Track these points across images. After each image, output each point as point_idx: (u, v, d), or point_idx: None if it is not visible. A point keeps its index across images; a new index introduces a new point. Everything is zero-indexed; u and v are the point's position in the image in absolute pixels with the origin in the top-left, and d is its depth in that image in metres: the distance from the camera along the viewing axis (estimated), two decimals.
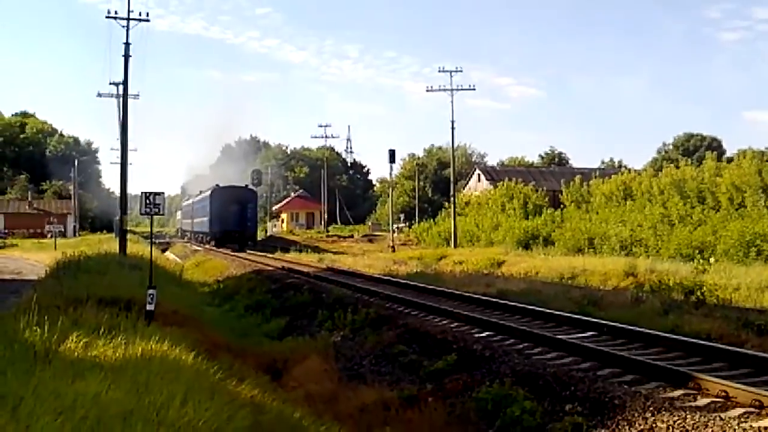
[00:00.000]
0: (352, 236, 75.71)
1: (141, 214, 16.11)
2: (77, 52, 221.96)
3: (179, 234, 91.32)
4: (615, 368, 10.30)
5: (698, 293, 17.72)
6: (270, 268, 32.50)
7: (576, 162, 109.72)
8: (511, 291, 20.99)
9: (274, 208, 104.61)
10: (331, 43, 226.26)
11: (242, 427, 6.61)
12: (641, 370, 10.03)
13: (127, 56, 35.10)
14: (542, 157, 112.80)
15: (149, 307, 13.14)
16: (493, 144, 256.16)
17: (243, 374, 10.16)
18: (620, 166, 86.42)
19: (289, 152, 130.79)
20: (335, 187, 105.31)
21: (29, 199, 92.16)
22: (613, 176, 55.48)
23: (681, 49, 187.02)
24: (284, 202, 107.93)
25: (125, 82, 35.81)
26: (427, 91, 56.05)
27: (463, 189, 78.30)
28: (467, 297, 19.08)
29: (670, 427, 7.82)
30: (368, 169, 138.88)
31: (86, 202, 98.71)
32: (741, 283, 21.16)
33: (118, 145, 45.35)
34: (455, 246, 51.11)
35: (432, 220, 69.64)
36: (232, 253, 46.85)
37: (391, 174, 70.50)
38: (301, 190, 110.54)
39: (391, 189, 76.55)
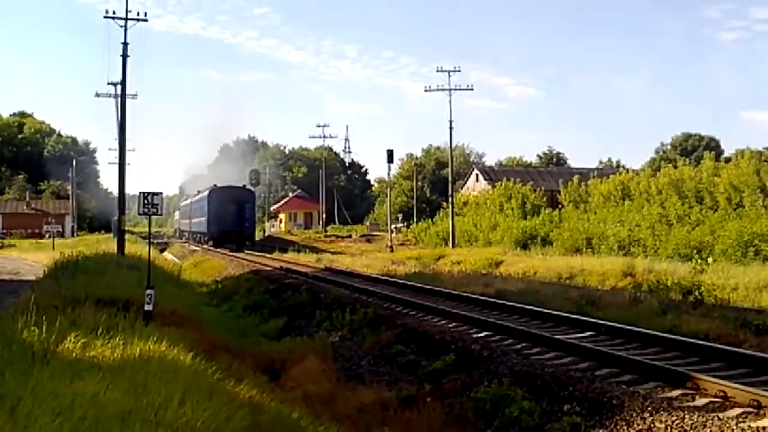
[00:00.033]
0: (350, 236, 75.73)
1: (139, 214, 16.11)
2: (75, 52, 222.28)
3: (177, 234, 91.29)
4: (613, 368, 10.30)
5: (696, 293, 17.72)
6: (268, 269, 32.49)
7: (574, 162, 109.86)
8: (509, 291, 21.00)
9: (272, 208, 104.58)
10: (330, 43, 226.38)
11: (240, 427, 6.61)
12: (639, 370, 10.04)
13: (125, 56, 35.07)
14: (540, 157, 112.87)
15: (147, 308, 13.14)
16: (491, 144, 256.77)
17: (241, 374, 10.16)
18: (618, 166, 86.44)
19: (287, 152, 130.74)
20: (333, 187, 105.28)
21: (27, 199, 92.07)
22: (611, 176, 55.55)
23: (680, 49, 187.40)
24: (282, 202, 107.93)
25: (123, 82, 35.78)
26: (426, 91, 56.12)
27: (462, 189, 78.33)
28: (465, 297, 19.08)
29: (669, 427, 7.83)
30: (366, 169, 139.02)
31: (84, 203, 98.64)
32: (739, 283, 21.17)
33: (116, 145, 45.40)
34: (453, 246, 51.12)
35: (430, 220, 69.69)
36: (230, 254, 46.84)
37: (389, 174, 70.60)
38: (299, 190, 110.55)
39: (389, 189, 76.57)
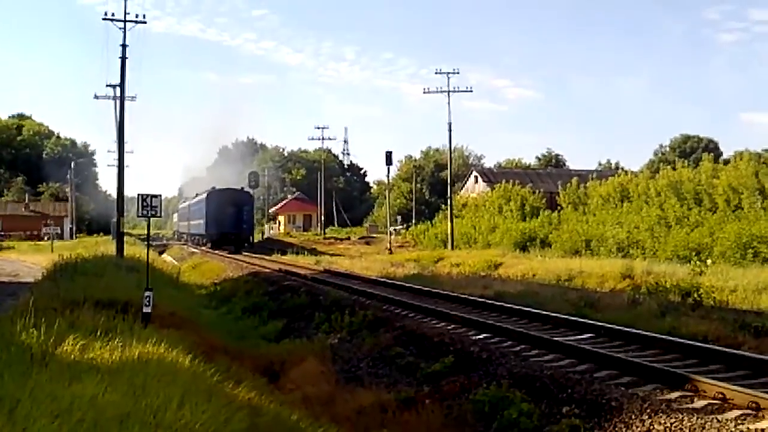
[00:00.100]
0: (349, 238, 75.73)
1: (138, 216, 16.11)
2: (74, 54, 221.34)
3: (176, 236, 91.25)
4: (612, 370, 10.30)
5: (695, 295, 17.72)
6: (267, 271, 32.49)
7: (573, 164, 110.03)
8: (508, 293, 21.00)
9: (271, 211, 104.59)
10: (328, 44, 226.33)
11: (239, 429, 6.61)
12: (638, 372, 10.04)
13: (123, 58, 35.16)
14: (539, 159, 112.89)
15: (146, 310, 13.13)
16: (490, 146, 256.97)
17: (240, 377, 10.16)
18: (617, 168, 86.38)
19: (286, 154, 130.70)
20: (332, 189, 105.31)
21: (26, 201, 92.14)
22: (610, 178, 55.52)
23: (679, 51, 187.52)
24: (281, 204, 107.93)
25: (122, 84, 35.88)
26: (424, 92, 56.16)
27: (460, 191, 78.32)
28: (464, 299, 19.08)
29: (667, 429, 7.83)
30: (365, 171, 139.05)
31: (83, 205, 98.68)
32: (738, 284, 21.17)
33: (115, 147, 45.36)
34: (452, 248, 51.11)
35: (429, 222, 69.65)
36: (229, 256, 46.84)
37: (388, 176, 70.43)
38: (298, 193, 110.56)
39: (388, 191, 76.59)
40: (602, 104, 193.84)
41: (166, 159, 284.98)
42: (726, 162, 52.20)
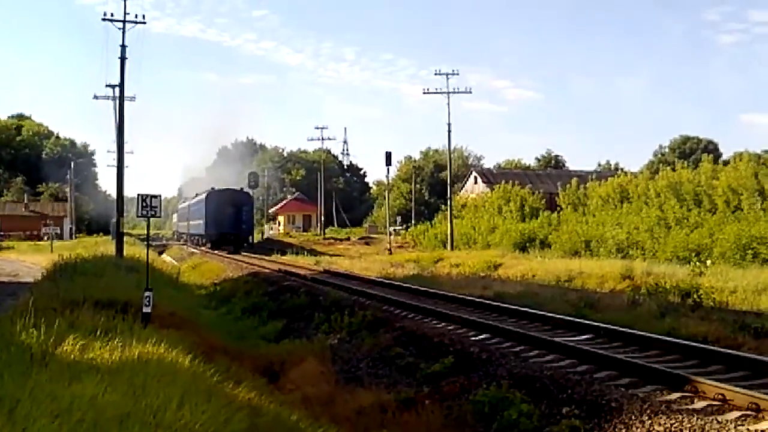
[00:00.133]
0: (348, 239, 75.73)
1: (137, 216, 16.10)
2: (74, 54, 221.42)
3: (176, 236, 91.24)
4: (612, 371, 10.30)
5: (695, 296, 17.73)
6: (267, 271, 32.48)
7: (573, 165, 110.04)
8: (507, 293, 20.99)
9: (270, 211, 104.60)
10: (328, 45, 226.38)
11: (239, 429, 6.61)
12: (638, 373, 10.04)
13: (123, 58, 35.13)
14: (539, 160, 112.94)
15: (146, 310, 13.13)
16: (490, 146, 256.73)
17: (240, 377, 10.15)
18: (617, 169, 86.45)
19: (285, 155, 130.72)
20: (332, 189, 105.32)
21: (25, 201, 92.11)
22: (609, 179, 55.52)
23: (679, 51, 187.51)
24: (281, 204, 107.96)
25: (121, 85, 35.87)
26: (424, 93, 56.37)
27: (460, 191, 78.34)
28: (464, 299, 19.07)
29: (667, 430, 7.83)
30: (365, 172, 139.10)
31: (83, 205, 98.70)
32: (738, 285, 21.18)
33: (114, 147, 45.32)
34: (452, 248, 51.14)
35: (429, 222, 69.67)
36: (229, 256, 46.84)
37: (387, 176, 70.58)
38: (297, 193, 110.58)
39: (387, 191, 76.66)
40: (602, 105, 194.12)
41: (166, 159, 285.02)
42: (726, 163, 52.19)
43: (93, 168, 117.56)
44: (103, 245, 42.72)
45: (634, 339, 12.59)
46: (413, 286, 22.79)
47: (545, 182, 73.53)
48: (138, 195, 15.52)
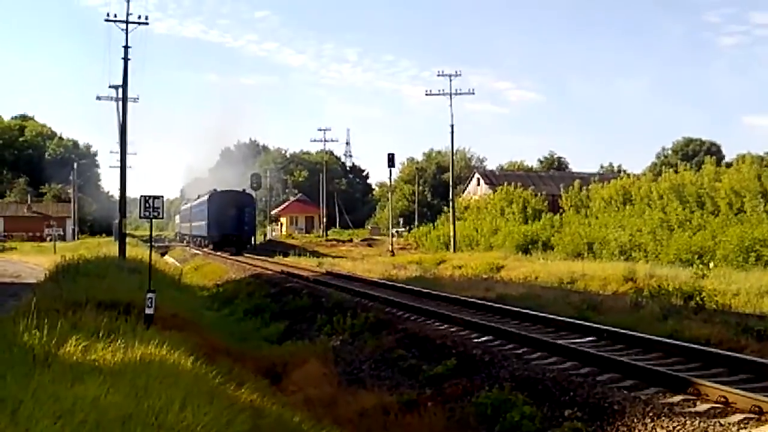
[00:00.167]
0: (351, 240, 75.70)
1: (140, 217, 16.11)
2: (76, 55, 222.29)
3: (178, 237, 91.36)
4: (614, 373, 10.28)
5: (697, 298, 17.70)
6: (269, 272, 32.48)
7: (575, 166, 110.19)
8: (510, 295, 20.97)
9: (273, 212, 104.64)
10: (330, 46, 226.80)
11: (241, 431, 6.61)
12: (640, 375, 10.02)
13: (126, 59, 35.19)
14: (541, 162, 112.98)
15: (148, 311, 13.14)
16: (492, 148, 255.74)
17: (242, 378, 10.16)
18: (619, 171, 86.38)
19: (288, 156, 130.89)
20: (334, 191, 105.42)
21: (28, 202, 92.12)
22: (612, 181, 55.47)
23: (680, 53, 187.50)
24: (283, 206, 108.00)
25: (124, 85, 35.86)
26: (426, 94, 56.54)
27: (463, 193, 78.42)
28: (466, 301, 19.05)
29: None
30: (367, 173, 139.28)
31: (85, 206, 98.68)
32: (740, 288, 21.15)
33: (117, 148, 45.25)
34: (454, 250, 51.11)
35: (431, 224, 69.65)
36: (231, 257, 46.86)
37: (390, 178, 70.39)
38: (300, 194, 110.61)
39: (390, 193, 76.60)
40: (604, 107, 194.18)
41: (169, 160, 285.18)
42: (728, 165, 52.23)
43: (96, 169, 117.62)
44: (105, 246, 42.70)
45: (637, 341, 12.57)
46: (416, 288, 22.77)
47: (548, 184, 73.57)
48: (141, 196, 15.54)
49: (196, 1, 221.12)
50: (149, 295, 13.28)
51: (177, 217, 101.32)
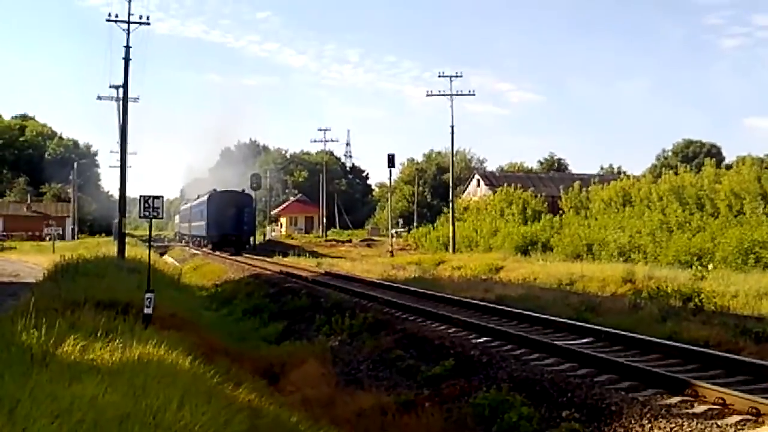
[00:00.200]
0: (350, 241, 75.69)
1: (140, 217, 16.11)
2: (77, 55, 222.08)
3: (177, 237, 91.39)
4: (612, 375, 10.29)
5: (696, 300, 17.73)
6: (268, 273, 32.49)
7: (575, 168, 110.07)
8: (509, 297, 20.99)
9: (273, 212, 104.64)
10: (331, 47, 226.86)
11: (239, 431, 6.61)
12: (638, 376, 10.03)
13: (127, 59, 35.14)
14: (541, 163, 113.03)
15: (147, 311, 13.14)
16: (492, 149, 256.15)
17: (240, 378, 10.16)
18: (619, 173, 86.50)
19: (288, 156, 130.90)
20: (334, 191, 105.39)
21: (28, 201, 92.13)
22: (612, 182, 55.48)
23: (681, 55, 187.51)
24: (283, 206, 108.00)
25: (125, 86, 35.85)
26: (427, 95, 56.49)
27: (462, 194, 78.40)
28: (465, 302, 19.07)
29: None
30: (367, 174, 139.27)
31: (85, 205, 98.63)
32: (739, 290, 21.14)
33: (117, 148, 45.29)
34: (454, 251, 51.10)
35: (431, 225, 69.65)
36: (231, 257, 46.87)
37: (390, 179, 70.36)
38: (299, 195, 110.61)
39: (390, 194, 76.59)
40: (604, 108, 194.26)
41: (169, 160, 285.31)
42: (728, 167, 52.25)
43: (96, 168, 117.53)
44: (105, 246, 42.72)
45: (635, 343, 12.58)
46: (415, 289, 22.78)
47: (548, 185, 73.59)
48: (140, 196, 15.54)
49: (198, 2, 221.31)
50: (148, 294, 13.29)
51: (176, 217, 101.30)
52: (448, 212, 58.09)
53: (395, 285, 25.07)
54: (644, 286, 22.93)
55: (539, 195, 61.89)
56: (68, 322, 9.84)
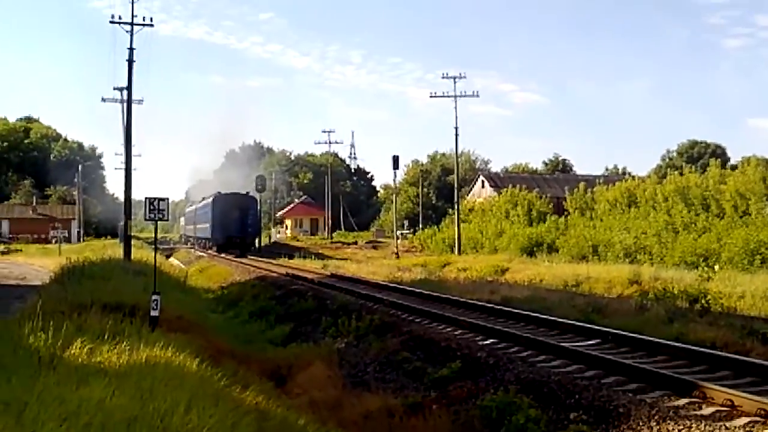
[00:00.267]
0: (355, 243, 75.70)
1: (145, 219, 16.10)
2: (81, 57, 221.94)
3: (183, 240, 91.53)
4: (619, 376, 10.27)
5: (703, 301, 17.69)
6: (274, 275, 32.50)
7: (580, 169, 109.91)
8: (515, 298, 20.97)
9: (278, 215, 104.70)
10: (335, 48, 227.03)
11: None
12: (646, 378, 10.00)
13: (131, 61, 35.26)
14: (546, 164, 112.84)
15: (153, 313, 13.14)
16: (497, 150, 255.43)
17: (247, 381, 10.16)
18: (624, 173, 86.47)
19: (292, 158, 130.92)
20: (339, 193, 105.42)
21: (34, 204, 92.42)
22: (617, 183, 55.48)
23: (684, 55, 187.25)
24: (288, 208, 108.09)
25: (129, 87, 35.97)
26: (431, 97, 56.37)
27: (467, 195, 78.36)
28: (471, 304, 19.05)
29: None
30: (372, 175, 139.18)
31: (90, 208, 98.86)
32: (746, 291, 21.12)
33: (122, 150, 45.46)
34: (459, 253, 51.09)
35: (436, 226, 69.63)
36: (236, 259, 46.92)
37: (395, 180, 70.39)
38: (304, 197, 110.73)
39: (395, 195, 76.61)
40: (608, 109, 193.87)
41: (174, 162, 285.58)
42: (733, 168, 52.15)
43: (101, 171, 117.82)
44: (110, 248, 42.80)
45: (642, 344, 12.55)
46: (420, 291, 22.77)
47: (552, 186, 73.51)
48: (146, 198, 15.53)
49: (201, 3, 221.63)
50: (154, 297, 13.29)
51: (182, 219, 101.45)
52: (453, 214, 58.12)
53: (401, 287, 25.05)
54: (650, 287, 22.92)
55: (544, 196, 61.86)
56: (75, 324, 9.84)
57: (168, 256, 56.96)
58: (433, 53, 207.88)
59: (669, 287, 20.18)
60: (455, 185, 59.39)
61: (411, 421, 10.10)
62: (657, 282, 23.72)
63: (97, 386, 6.49)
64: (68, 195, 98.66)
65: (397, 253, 55.45)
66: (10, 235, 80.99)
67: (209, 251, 59.64)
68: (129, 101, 36.58)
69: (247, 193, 65.77)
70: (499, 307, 18.29)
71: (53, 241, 64.24)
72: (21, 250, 60.61)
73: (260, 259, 47.96)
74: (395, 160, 59.59)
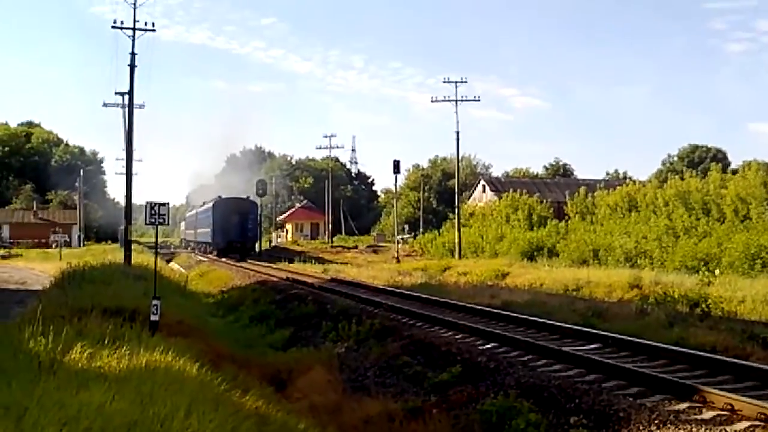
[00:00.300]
0: (356, 247, 75.70)
1: (146, 224, 16.12)
2: (83, 62, 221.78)
3: (183, 244, 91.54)
4: (620, 380, 10.27)
5: (703, 305, 17.68)
6: (274, 279, 32.50)
7: (581, 173, 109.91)
8: (515, 302, 20.96)
9: (278, 219, 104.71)
10: (336, 53, 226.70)
11: None
12: (646, 382, 10.00)
13: (132, 66, 35.26)
14: (547, 169, 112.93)
15: (153, 318, 13.14)
16: (497, 155, 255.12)
17: (247, 385, 10.15)
18: (625, 178, 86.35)
19: (293, 162, 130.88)
20: (340, 197, 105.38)
21: (34, 208, 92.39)
22: (617, 188, 55.52)
23: (685, 60, 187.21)
24: (289, 212, 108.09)
25: (131, 92, 35.99)
26: (432, 101, 56.34)
27: (468, 200, 78.35)
28: (472, 308, 19.04)
29: None
30: (373, 180, 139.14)
31: (91, 212, 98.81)
32: (746, 295, 21.12)
33: (123, 154, 45.48)
34: (460, 257, 51.08)
35: (436, 231, 69.64)
36: (237, 264, 46.91)
37: (395, 184, 70.42)
38: (305, 201, 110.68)
39: (395, 200, 76.61)
40: (609, 113, 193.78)
41: (175, 166, 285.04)
42: (734, 172, 52.14)
43: (102, 175, 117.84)
44: (111, 253, 42.77)
45: (642, 348, 12.55)
46: (421, 295, 22.76)
47: (553, 191, 73.53)
48: (146, 203, 15.54)
49: (203, 8, 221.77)
50: (154, 301, 13.29)
51: (182, 223, 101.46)
52: (454, 218, 58.13)
53: (401, 291, 25.05)
54: (651, 291, 22.91)
55: (545, 200, 61.89)
56: (75, 329, 9.85)
57: (168, 261, 56.95)
58: (434, 58, 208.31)
59: (669, 291, 20.17)
60: (456, 189, 59.35)
61: (411, 426, 10.10)
62: (657, 286, 23.71)
63: (97, 391, 6.49)
64: (69, 200, 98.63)
65: (397, 258, 55.45)
66: (11, 240, 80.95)
67: (210, 255, 59.69)
68: (130, 106, 36.59)
69: (248, 197, 65.87)
70: (499, 311, 18.31)
71: (54, 245, 64.13)
72: (22, 255, 60.60)
73: (261, 263, 47.95)
74: (396, 165, 59.65)
